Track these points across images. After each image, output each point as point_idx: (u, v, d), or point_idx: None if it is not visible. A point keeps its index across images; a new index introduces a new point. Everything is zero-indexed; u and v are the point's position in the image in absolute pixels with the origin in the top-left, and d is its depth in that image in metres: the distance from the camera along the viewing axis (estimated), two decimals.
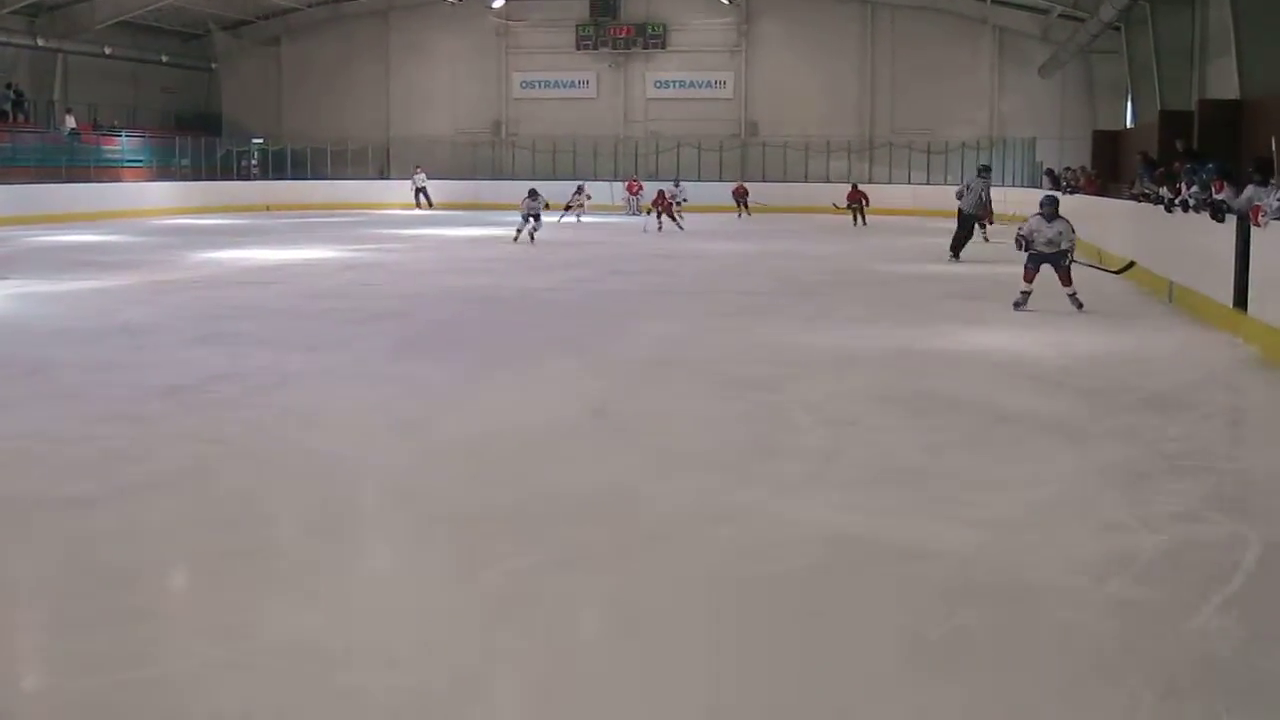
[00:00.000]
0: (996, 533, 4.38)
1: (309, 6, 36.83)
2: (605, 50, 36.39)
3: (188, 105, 37.37)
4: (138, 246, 19.33)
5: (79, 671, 3.18)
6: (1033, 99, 32.84)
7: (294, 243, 20.36)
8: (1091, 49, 28.22)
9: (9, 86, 30.10)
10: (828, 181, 32.27)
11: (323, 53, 37.53)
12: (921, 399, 6.97)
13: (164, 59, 35.71)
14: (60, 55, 32.17)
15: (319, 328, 9.90)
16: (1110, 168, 22.56)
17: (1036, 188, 23.35)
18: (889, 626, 3.53)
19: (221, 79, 38.20)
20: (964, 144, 32.01)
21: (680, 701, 3.05)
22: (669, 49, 36.13)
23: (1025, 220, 11.33)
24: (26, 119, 30.54)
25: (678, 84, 36.29)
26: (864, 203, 26.47)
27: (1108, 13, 22.64)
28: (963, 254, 16.83)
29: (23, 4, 29.24)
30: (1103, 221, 16.96)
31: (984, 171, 18.60)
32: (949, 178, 30.07)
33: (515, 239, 19.44)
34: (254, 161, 36.33)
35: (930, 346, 8.93)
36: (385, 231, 23.94)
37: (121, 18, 32.03)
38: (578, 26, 36.32)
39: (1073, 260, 10.95)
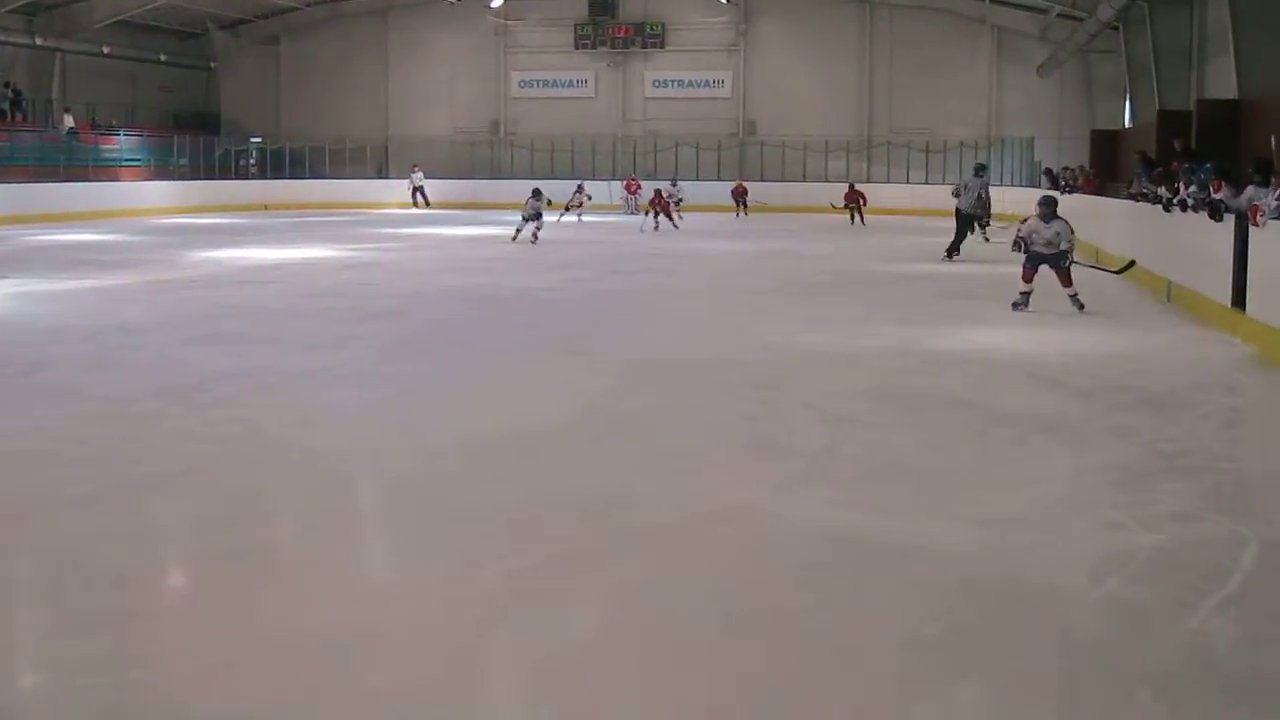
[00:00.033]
0: (995, 532, 4.39)
1: (307, 6, 36.82)
2: (604, 49, 36.39)
3: (186, 104, 37.34)
4: (136, 246, 19.31)
5: (79, 671, 3.18)
6: (1031, 98, 32.85)
7: (292, 242, 20.34)
8: (1090, 48, 28.23)
9: (7, 85, 30.06)
10: (826, 181, 32.24)
11: (321, 52, 37.53)
12: (920, 398, 6.97)
13: (162, 58, 35.71)
14: (58, 54, 32.14)
15: (317, 327, 9.90)
16: (1108, 167, 22.58)
17: (1035, 187, 23.35)
18: (887, 625, 3.54)
19: (220, 78, 38.19)
20: (962, 143, 32.06)
21: (680, 701, 3.06)
22: (667, 48, 36.14)
23: (1024, 220, 11.35)
24: (25, 118, 30.49)
25: (676, 83, 36.30)
26: (861, 202, 26.49)
27: (1106, 12, 22.64)
28: (962, 252, 16.82)
29: (21, 3, 29.22)
30: (1101, 221, 16.97)
31: (980, 170, 18.61)
32: (947, 177, 30.05)
33: (514, 238, 19.44)
34: (252, 161, 36.29)
35: (929, 346, 8.93)
36: (383, 231, 23.94)
37: (120, 17, 32.03)
38: (576, 26, 36.33)
39: (1072, 261, 10.95)
